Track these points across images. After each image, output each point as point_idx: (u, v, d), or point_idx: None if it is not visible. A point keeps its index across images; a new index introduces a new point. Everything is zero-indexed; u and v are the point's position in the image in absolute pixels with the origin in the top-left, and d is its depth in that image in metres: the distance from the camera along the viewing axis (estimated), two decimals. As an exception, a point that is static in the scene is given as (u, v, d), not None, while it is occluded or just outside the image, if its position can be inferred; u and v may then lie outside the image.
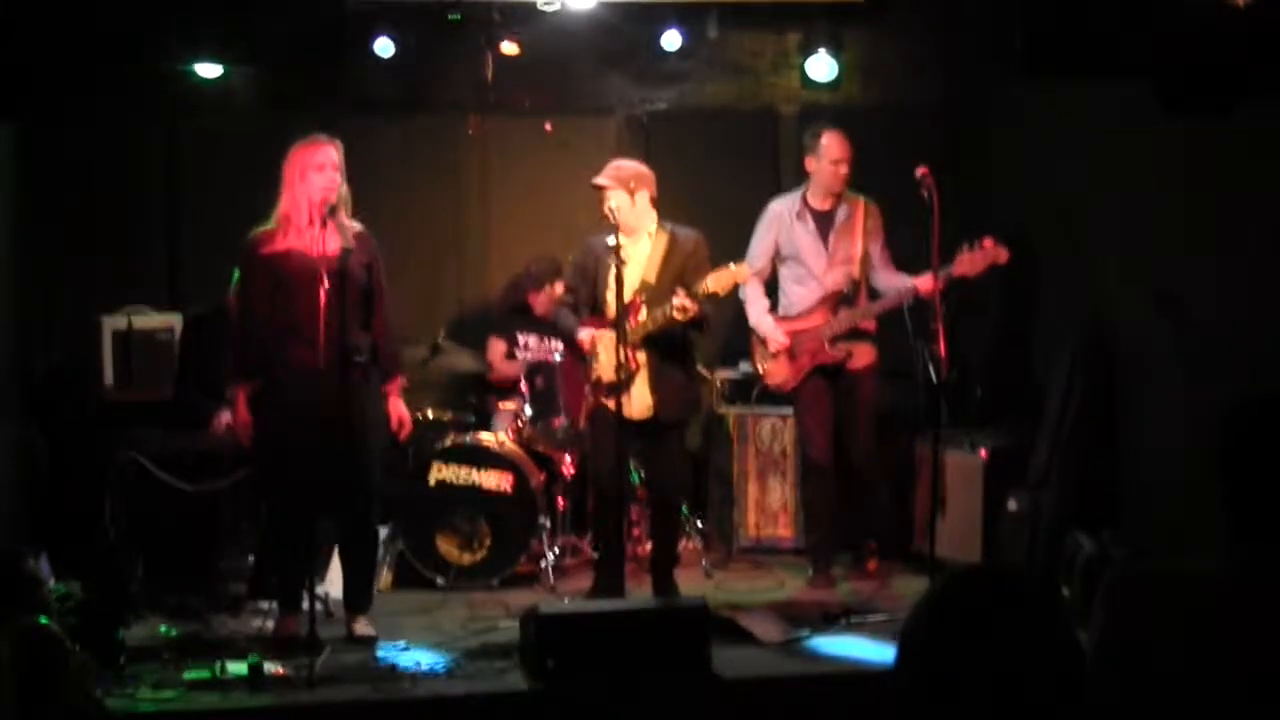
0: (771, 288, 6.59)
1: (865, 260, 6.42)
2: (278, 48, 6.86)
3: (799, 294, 6.48)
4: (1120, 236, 6.16)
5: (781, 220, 6.50)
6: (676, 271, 5.86)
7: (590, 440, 6.13)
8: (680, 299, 5.64)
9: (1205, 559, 2.38)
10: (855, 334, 6.39)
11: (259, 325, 5.46)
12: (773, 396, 6.72)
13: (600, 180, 5.90)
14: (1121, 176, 6.10)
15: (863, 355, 6.41)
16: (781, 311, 6.54)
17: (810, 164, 6.45)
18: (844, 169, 6.39)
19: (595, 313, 6.00)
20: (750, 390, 7.04)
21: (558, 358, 6.57)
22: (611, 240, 5.87)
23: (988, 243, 6.15)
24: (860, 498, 6.54)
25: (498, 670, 5.08)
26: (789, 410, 6.76)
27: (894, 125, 7.21)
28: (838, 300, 6.40)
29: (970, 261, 6.14)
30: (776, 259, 6.51)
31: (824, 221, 6.45)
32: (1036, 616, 1.80)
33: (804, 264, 6.45)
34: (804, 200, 6.49)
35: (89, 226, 7.02)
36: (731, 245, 6.46)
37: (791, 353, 6.42)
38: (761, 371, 6.56)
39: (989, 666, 1.75)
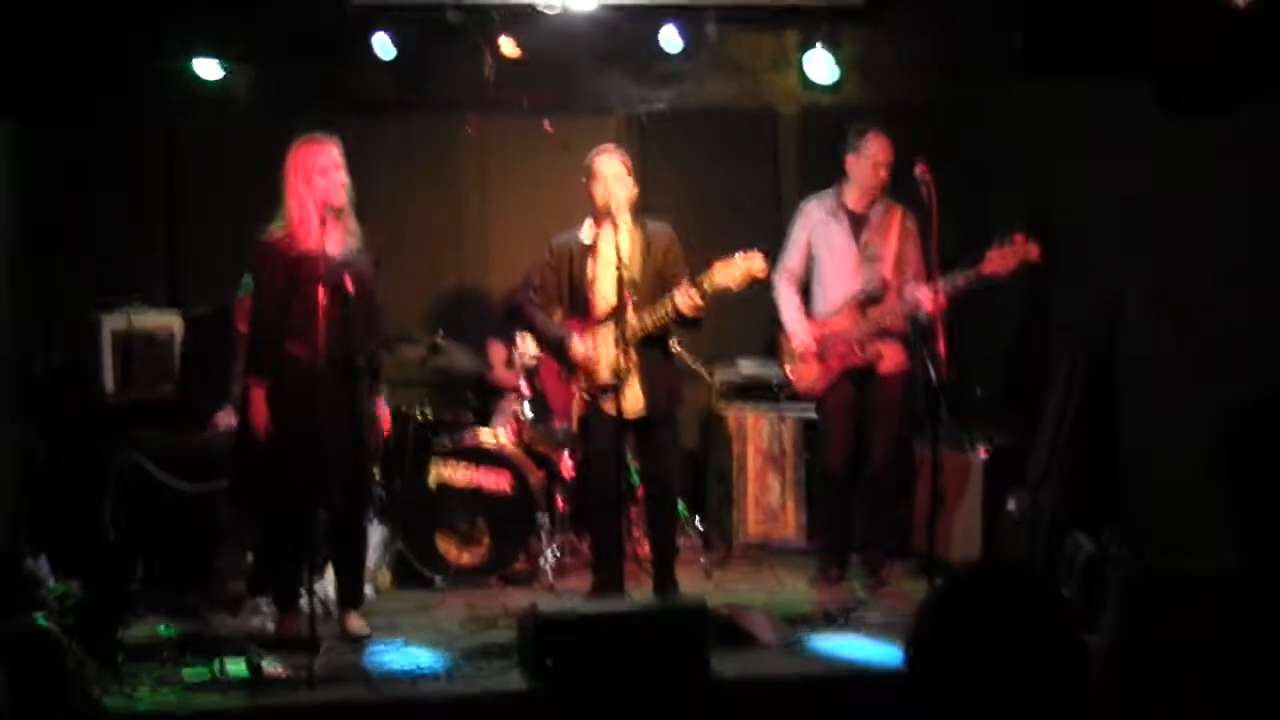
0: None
1: (899, 262, 6.26)
2: (278, 48, 6.88)
3: (829, 294, 6.33)
4: (1120, 237, 6.16)
5: (812, 219, 6.37)
6: (656, 266, 5.78)
7: (586, 443, 6.08)
8: (689, 297, 5.56)
9: (1207, 559, 2.38)
10: (885, 334, 6.23)
11: (270, 325, 5.45)
12: (794, 396, 6.56)
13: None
14: (1121, 176, 6.09)
15: (892, 357, 6.25)
16: (812, 312, 6.40)
17: (850, 162, 6.29)
18: (884, 172, 6.23)
19: (576, 312, 5.90)
20: (749, 390, 7.03)
21: (533, 360, 6.55)
22: (587, 236, 5.82)
23: (1019, 238, 5.94)
24: (872, 502, 6.43)
25: (497, 670, 5.07)
26: (789, 409, 6.72)
27: (894, 125, 7.19)
28: (866, 300, 6.25)
29: (1000, 259, 5.94)
30: (810, 259, 6.37)
31: (857, 222, 6.31)
32: (1043, 614, 1.80)
33: (835, 263, 6.31)
34: (838, 199, 6.35)
35: (89, 226, 7.03)
36: (730, 245, 6.41)
37: (821, 355, 6.28)
38: (790, 375, 6.40)
39: (998, 665, 1.75)
